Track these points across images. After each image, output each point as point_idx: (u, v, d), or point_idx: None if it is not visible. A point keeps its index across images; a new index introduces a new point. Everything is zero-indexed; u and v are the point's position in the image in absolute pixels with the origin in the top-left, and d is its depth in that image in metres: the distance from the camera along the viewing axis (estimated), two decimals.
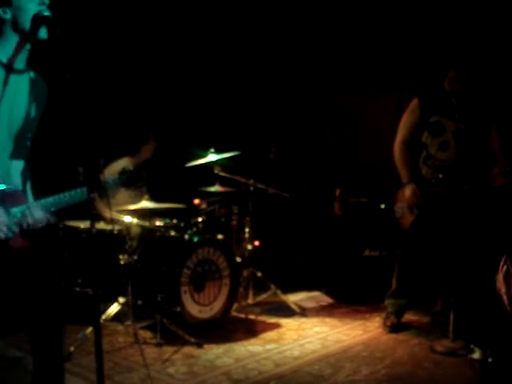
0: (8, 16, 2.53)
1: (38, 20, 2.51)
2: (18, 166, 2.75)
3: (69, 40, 2.43)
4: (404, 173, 4.65)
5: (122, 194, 5.36)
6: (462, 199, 4.51)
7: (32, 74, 2.71)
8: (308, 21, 7.08)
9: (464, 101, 4.55)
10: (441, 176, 4.55)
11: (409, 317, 5.21)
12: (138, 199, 4.95)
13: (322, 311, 5.58)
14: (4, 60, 2.58)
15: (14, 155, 2.73)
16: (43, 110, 2.83)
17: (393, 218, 4.77)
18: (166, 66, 6.76)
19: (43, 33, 2.55)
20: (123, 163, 5.51)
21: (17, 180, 2.71)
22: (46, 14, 2.50)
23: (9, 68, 2.60)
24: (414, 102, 4.67)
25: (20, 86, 2.66)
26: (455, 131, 4.53)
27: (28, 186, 2.77)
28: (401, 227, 4.75)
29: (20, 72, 2.65)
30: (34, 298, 2.70)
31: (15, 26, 2.54)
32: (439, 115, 4.57)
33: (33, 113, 2.73)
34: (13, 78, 2.61)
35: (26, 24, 2.53)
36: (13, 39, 2.57)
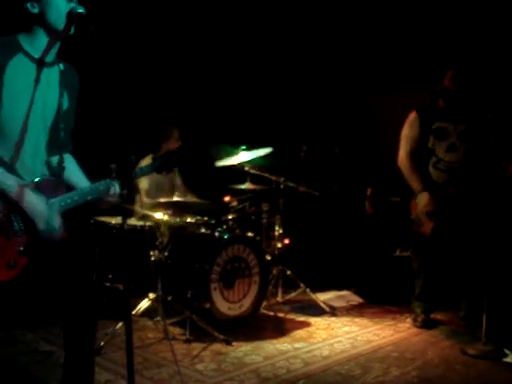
0: (36, 10, 2.54)
1: (72, 17, 2.53)
2: (54, 157, 2.79)
3: (102, 37, 2.44)
4: (415, 182, 4.74)
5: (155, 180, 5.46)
6: (480, 196, 4.61)
7: (61, 66, 2.73)
8: (336, 19, 7.05)
9: (460, 102, 4.74)
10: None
11: (440, 318, 5.18)
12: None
13: (351, 311, 5.54)
14: (36, 55, 2.60)
15: (49, 147, 2.77)
16: (77, 100, 2.86)
17: (412, 227, 4.82)
18: (198, 64, 6.77)
19: (72, 30, 2.58)
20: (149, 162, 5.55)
21: (53, 171, 2.76)
22: (80, 10, 2.52)
23: (40, 62, 2.62)
24: (413, 116, 4.85)
25: (51, 78, 2.69)
26: (459, 133, 4.73)
27: (64, 176, 2.81)
28: (422, 235, 4.78)
29: (50, 65, 2.68)
30: (70, 292, 2.73)
31: (42, 21, 2.56)
32: (440, 121, 4.75)
33: (65, 104, 2.76)
34: (44, 71, 2.65)
35: (53, 20, 2.55)
36: (41, 34, 2.59)
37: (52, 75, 2.69)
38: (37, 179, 2.63)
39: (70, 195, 2.70)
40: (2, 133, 2.55)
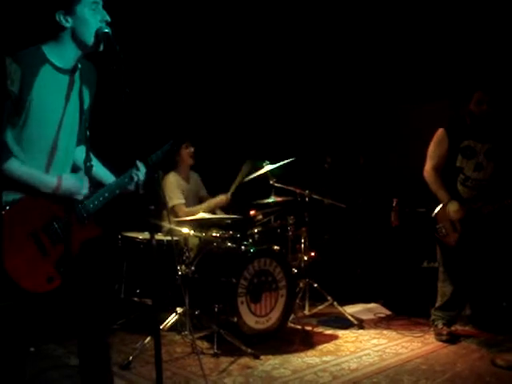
0: (69, 25, 2.59)
1: (98, 35, 2.59)
2: (82, 154, 2.86)
3: (128, 57, 2.49)
4: (442, 193, 4.83)
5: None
6: (504, 213, 4.70)
7: (79, 65, 2.75)
8: (360, 30, 7.07)
9: (487, 121, 4.81)
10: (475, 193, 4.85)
11: (469, 330, 5.13)
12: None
13: (379, 323, 5.51)
14: (62, 65, 2.64)
15: (78, 145, 2.86)
16: (93, 96, 2.90)
17: (437, 236, 4.91)
18: (222, 78, 6.83)
19: (101, 47, 2.64)
20: (173, 178, 5.60)
21: (81, 169, 2.84)
22: (107, 30, 2.58)
23: (68, 73, 2.68)
24: (441, 133, 4.93)
25: (75, 83, 2.74)
26: (485, 151, 4.82)
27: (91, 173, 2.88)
28: (446, 245, 4.88)
29: (75, 71, 2.73)
30: (86, 304, 2.81)
31: (74, 36, 2.61)
32: (468, 139, 4.84)
33: (86, 102, 2.82)
34: (71, 80, 2.71)
35: (85, 36, 2.60)
36: (71, 48, 2.63)
37: (76, 79, 2.74)
38: None
39: (101, 193, 2.79)
40: (33, 146, 2.60)
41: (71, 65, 2.68)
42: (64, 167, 2.77)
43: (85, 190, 2.72)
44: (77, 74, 2.73)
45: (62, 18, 2.58)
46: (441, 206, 4.82)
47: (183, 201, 5.52)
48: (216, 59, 6.71)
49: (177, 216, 5.38)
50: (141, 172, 2.81)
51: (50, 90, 2.60)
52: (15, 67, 2.47)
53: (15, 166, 2.52)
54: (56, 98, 2.65)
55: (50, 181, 2.61)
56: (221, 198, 5.58)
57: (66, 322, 3.28)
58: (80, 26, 2.60)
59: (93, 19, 2.60)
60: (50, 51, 2.62)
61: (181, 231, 4.80)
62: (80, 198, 2.70)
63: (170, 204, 5.42)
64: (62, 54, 2.64)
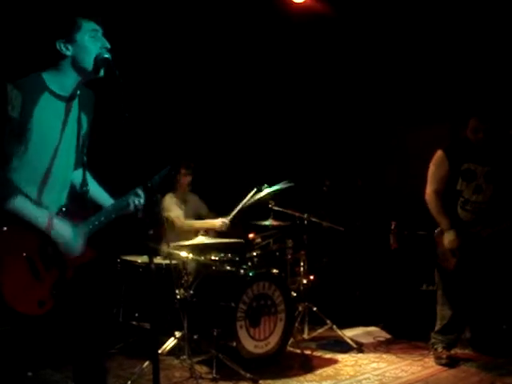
0: (69, 53, 2.61)
1: (98, 61, 2.62)
2: (79, 179, 2.87)
3: (127, 81, 2.51)
4: (442, 219, 4.82)
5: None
6: (503, 236, 4.72)
7: (78, 91, 2.77)
8: (355, 52, 7.13)
9: (485, 146, 4.83)
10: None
11: (469, 353, 5.09)
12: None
13: (379, 347, 5.48)
14: (61, 93, 2.67)
15: (75, 169, 2.88)
16: (91, 120, 2.91)
17: (437, 261, 4.92)
18: (221, 102, 6.87)
19: (101, 73, 2.66)
20: (169, 200, 5.62)
21: (76, 193, 2.85)
22: (107, 56, 2.61)
23: (67, 100, 2.70)
24: (440, 155, 4.91)
25: (73, 110, 2.76)
26: (485, 174, 4.81)
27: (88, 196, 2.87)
28: (446, 269, 4.87)
29: (73, 98, 2.75)
30: (82, 328, 2.79)
31: (74, 63, 2.63)
32: (468, 162, 4.82)
33: (84, 128, 2.83)
34: (70, 107, 2.73)
35: (85, 63, 2.63)
36: (71, 75, 2.66)
37: (74, 106, 2.76)
38: (63, 207, 2.73)
39: (97, 217, 2.78)
40: (28, 170, 2.60)
41: (70, 92, 2.70)
42: (60, 193, 2.77)
43: (78, 249, 2.68)
44: (75, 101, 2.75)
45: (62, 46, 2.61)
46: (439, 229, 4.82)
47: (181, 213, 5.60)
48: (216, 82, 6.75)
49: (174, 228, 5.45)
50: (139, 197, 2.82)
51: (48, 117, 2.62)
52: (16, 93, 2.49)
53: (19, 204, 2.52)
54: (53, 125, 2.66)
55: (41, 220, 2.58)
56: (219, 224, 5.53)
57: (62, 346, 3.26)
58: (80, 53, 2.62)
59: (93, 46, 2.63)
60: (49, 78, 2.64)
61: (179, 255, 4.80)
62: (73, 253, 2.66)
63: (168, 215, 5.49)
64: (62, 82, 2.66)
